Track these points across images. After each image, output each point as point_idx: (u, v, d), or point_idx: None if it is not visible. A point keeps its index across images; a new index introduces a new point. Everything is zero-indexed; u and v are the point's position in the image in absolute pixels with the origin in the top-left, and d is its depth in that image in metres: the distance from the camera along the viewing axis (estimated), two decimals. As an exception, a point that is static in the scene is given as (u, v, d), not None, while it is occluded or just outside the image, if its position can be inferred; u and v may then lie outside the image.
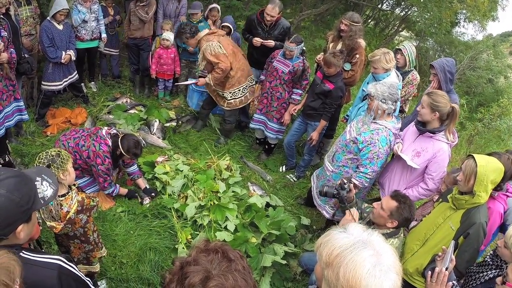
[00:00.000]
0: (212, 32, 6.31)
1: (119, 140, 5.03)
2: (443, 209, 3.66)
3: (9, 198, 1.81)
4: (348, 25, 5.76)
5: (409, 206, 3.40)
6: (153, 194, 5.50)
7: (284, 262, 4.61)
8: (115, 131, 5.20)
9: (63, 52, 6.35)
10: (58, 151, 3.35)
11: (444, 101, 4.01)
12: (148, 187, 5.60)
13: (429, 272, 2.68)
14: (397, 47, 5.76)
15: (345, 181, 3.92)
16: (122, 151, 5.02)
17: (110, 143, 4.97)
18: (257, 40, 6.48)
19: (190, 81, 6.48)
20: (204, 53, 6.08)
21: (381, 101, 4.20)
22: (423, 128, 4.20)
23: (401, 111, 5.72)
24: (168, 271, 1.60)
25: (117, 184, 5.32)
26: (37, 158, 3.27)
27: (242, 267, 1.55)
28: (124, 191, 5.41)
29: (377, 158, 4.31)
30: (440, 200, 3.84)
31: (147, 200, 5.40)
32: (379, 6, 16.64)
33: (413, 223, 4.29)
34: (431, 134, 4.17)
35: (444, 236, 3.53)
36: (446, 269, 2.64)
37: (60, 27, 6.29)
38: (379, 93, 4.18)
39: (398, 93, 4.32)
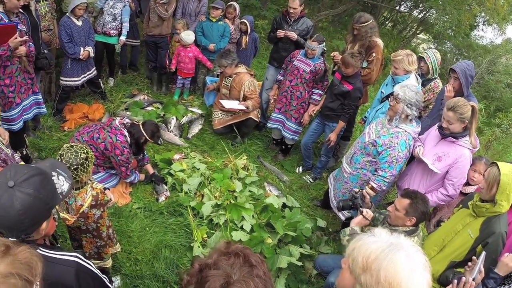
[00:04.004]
0: (251, 74, 6.77)
1: (142, 128, 5.14)
2: (462, 216, 3.57)
3: (37, 198, 1.81)
4: (359, 28, 5.84)
5: (422, 200, 3.40)
6: (165, 182, 5.64)
7: (299, 264, 4.59)
8: (128, 120, 5.26)
9: (82, 48, 6.37)
10: (86, 152, 3.35)
11: (468, 107, 3.97)
12: (156, 172, 5.74)
13: (455, 281, 2.64)
14: (420, 54, 5.70)
15: (356, 190, 3.92)
16: (147, 138, 5.15)
17: (126, 133, 5.03)
18: (280, 31, 6.53)
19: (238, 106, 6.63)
20: (244, 86, 6.52)
21: (407, 105, 4.15)
22: (446, 132, 4.15)
23: (419, 116, 5.68)
24: (186, 272, 1.57)
25: (136, 171, 5.41)
26: (63, 156, 3.25)
27: (263, 273, 1.53)
28: (142, 176, 5.57)
29: (396, 162, 4.27)
30: (460, 206, 3.78)
31: (162, 197, 5.41)
32: (397, 8, 16.54)
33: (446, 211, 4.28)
34: (454, 139, 4.12)
35: (463, 243, 3.44)
36: (474, 280, 2.60)
37: (79, 23, 6.30)
38: (407, 97, 4.14)
39: (422, 101, 4.29)
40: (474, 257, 2.84)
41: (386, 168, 4.34)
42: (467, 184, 4.37)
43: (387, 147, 4.29)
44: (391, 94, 4.58)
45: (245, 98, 6.56)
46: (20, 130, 5.39)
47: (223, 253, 1.55)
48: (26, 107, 5.40)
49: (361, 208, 3.74)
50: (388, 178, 4.36)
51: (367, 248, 1.61)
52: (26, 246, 1.57)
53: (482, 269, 2.72)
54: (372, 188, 4.48)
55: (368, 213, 3.65)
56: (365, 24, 5.79)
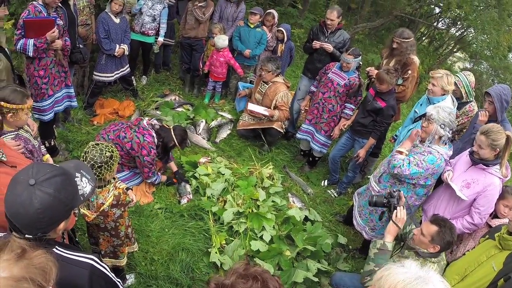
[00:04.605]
0: (287, 86, 6.72)
1: (172, 133, 5.19)
2: (488, 247, 3.48)
3: (57, 198, 1.80)
4: (399, 43, 5.75)
5: (450, 229, 3.28)
6: (188, 184, 5.66)
7: (316, 279, 4.53)
8: (155, 121, 5.28)
9: (117, 45, 6.46)
10: (112, 150, 3.35)
11: (502, 135, 3.85)
12: (179, 170, 5.76)
13: None
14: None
15: (394, 189, 3.80)
16: (176, 143, 5.21)
17: (153, 134, 5.05)
18: (316, 42, 6.51)
19: (262, 110, 6.62)
20: (277, 96, 6.50)
21: (440, 126, 4.07)
22: (477, 159, 4.04)
23: (452, 140, 5.56)
24: None
25: (158, 173, 5.42)
26: (88, 153, 3.25)
27: None
28: (164, 178, 5.59)
29: (415, 165, 4.16)
30: (487, 236, 3.67)
31: (185, 200, 5.41)
32: (435, 24, 16.33)
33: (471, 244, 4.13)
34: (484, 166, 4.00)
35: (485, 275, 3.34)
36: None
37: (117, 20, 6.40)
38: (441, 117, 4.05)
39: (455, 123, 4.20)
40: None
41: (405, 162, 4.22)
42: (495, 216, 4.25)
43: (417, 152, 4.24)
44: (424, 115, 4.49)
45: (275, 108, 6.52)
46: (51, 121, 5.48)
47: (241, 275, 1.53)
48: (58, 99, 5.48)
49: (396, 207, 3.60)
50: (398, 167, 4.21)
51: (394, 278, 1.60)
52: (42, 250, 1.56)
53: None
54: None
55: (398, 215, 3.49)
56: (406, 40, 5.71)
